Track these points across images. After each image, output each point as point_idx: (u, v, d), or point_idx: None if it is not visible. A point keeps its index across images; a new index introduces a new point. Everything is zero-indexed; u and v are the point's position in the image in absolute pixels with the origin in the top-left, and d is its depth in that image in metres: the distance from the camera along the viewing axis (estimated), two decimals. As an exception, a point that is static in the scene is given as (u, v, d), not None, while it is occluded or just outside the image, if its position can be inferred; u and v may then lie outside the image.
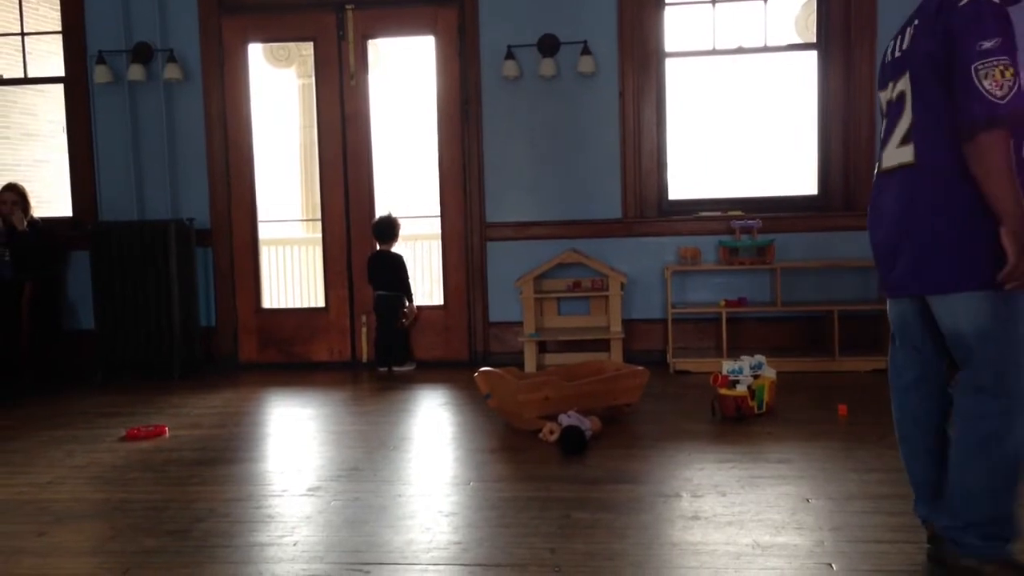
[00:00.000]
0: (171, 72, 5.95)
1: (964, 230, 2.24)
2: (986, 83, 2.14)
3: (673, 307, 5.58)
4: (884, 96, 2.50)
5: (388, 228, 5.95)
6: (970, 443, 2.29)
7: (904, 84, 2.36)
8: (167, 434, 4.32)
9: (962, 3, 2.21)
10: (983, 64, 2.14)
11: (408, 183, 7.64)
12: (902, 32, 2.43)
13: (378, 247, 6.00)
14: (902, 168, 2.36)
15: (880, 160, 2.48)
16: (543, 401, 4.12)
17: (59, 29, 6.20)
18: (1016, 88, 2.14)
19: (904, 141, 2.36)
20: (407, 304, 5.96)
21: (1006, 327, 2.23)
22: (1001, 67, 2.14)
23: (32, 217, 5.96)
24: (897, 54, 2.42)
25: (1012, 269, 2.14)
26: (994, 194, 2.16)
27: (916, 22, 2.36)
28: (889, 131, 2.44)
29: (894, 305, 2.52)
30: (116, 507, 3.27)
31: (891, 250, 2.42)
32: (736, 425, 4.15)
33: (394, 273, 5.94)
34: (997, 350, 2.23)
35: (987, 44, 2.15)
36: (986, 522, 2.29)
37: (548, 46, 5.75)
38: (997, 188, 2.15)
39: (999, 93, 2.13)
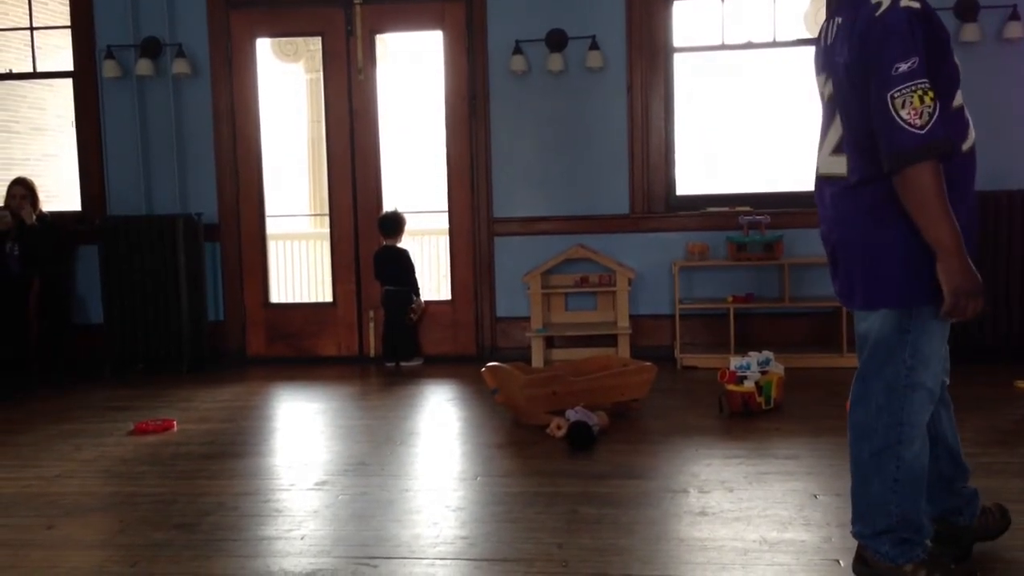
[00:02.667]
0: (179, 67, 5.95)
1: (892, 249, 2.16)
2: (903, 113, 1.98)
3: (681, 303, 5.57)
4: (818, 85, 2.37)
5: (393, 223, 5.95)
6: (863, 458, 2.29)
7: (831, 88, 2.25)
8: (175, 428, 4.33)
9: (878, 12, 2.05)
10: (899, 91, 1.99)
11: (416, 178, 7.64)
12: (830, 20, 2.26)
13: (384, 242, 6.00)
14: (837, 179, 2.27)
15: (816, 162, 2.38)
16: (550, 396, 4.12)
17: (68, 24, 6.20)
18: (936, 113, 1.99)
19: (836, 151, 2.26)
20: (414, 299, 5.96)
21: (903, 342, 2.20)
22: (919, 92, 1.98)
23: (41, 211, 5.97)
24: (825, 44, 2.28)
25: (950, 308, 2.07)
26: (925, 228, 2.04)
27: (839, 19, 2.20)
28: (823, 134, 2.34)
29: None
30: (124, 500, 3.29)
31: (830, 258, 2.38)
32: (743, 421, 4.15)
33: (401, 268, 5.94)
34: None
35: (903, 67, 1.99)
36: (894, 529, 2.25)
37: (556, 41, 5.73)
38: (928, 221, 2.03)
39: (919, 123, 1.98)
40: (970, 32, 5.39)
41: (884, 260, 2.18)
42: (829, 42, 2.24)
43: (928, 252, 2.09)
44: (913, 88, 1.99)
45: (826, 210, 2.35)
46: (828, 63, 2.26)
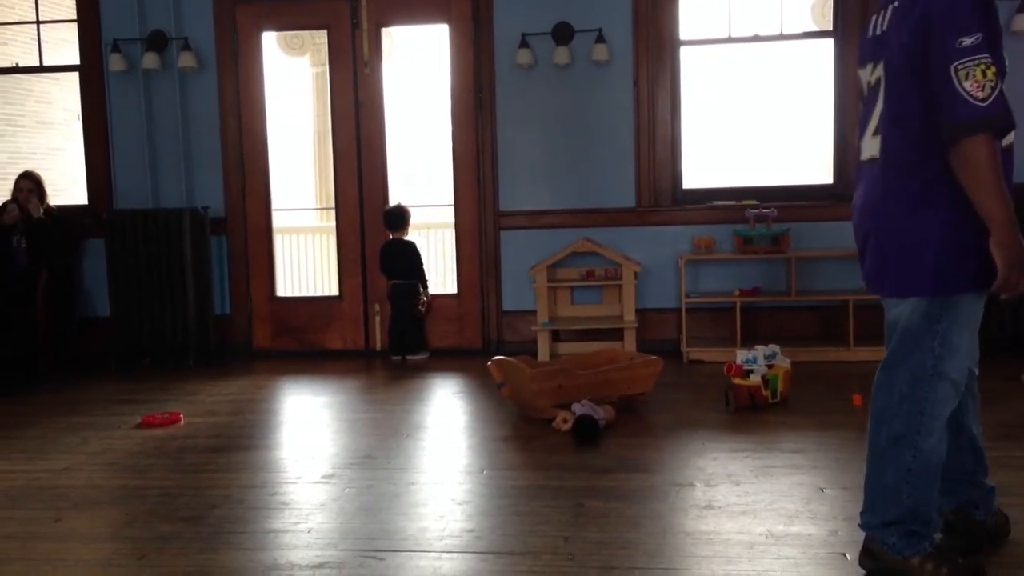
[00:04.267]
0: (186, 60, 5.96)
1: (924, 234, 2.16)
2: (966, 84, 2.00)
3: (687, 296, 5.57)
4: (863, 76, 2.39)
5: (398, 217, 5.95)
6: (880, 444, 2.28)
7: (880, 71, 2.26)
8: (182, 421, 4.34)
9: None
10: (963, 63, 2.01)
11: (422, 171, 7.63)
12: (883, 8, 2.30)
13: (391, 236, 6.00)
14: (871, 162, 2.29)
15: (860, 149, 2.39)
16: (556, 390, 4.12)
17: (74, 17, 6.21)
18: (998, 88, 2.01)
19: (875, 133, 2.27)
20: (422, 292, 5.96)
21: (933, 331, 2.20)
22: (983, 66, 2.00)
23: (48, 205, 5.98)
24: (877, 32, 2.30)
25: (1002, 282, 2.07)
26: (980, 202, 2.05)
27: (895, 3, 2.23)
28: (865, 119, 2.35)
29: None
30: (132, 493, 3.30)
31: (860, 244, 2.38)
32: (750, 415, 4.14)
33: (409, 261, 5.94)
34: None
35: (967, 41, 2.01)
36: (903, 520, 2.25)
37: (562, 34, 5.72)
38: (983, 196, 2.04)
39: (980, 95, 2.00)
40: None
41: (919, 247, 2.18)
42: (882, 28, 2.26)
43: (966, 240, 2.11)
44: (976, 62, 2.01)
45: (860, 197, 2.36)
46: (878, 48, 2.27)
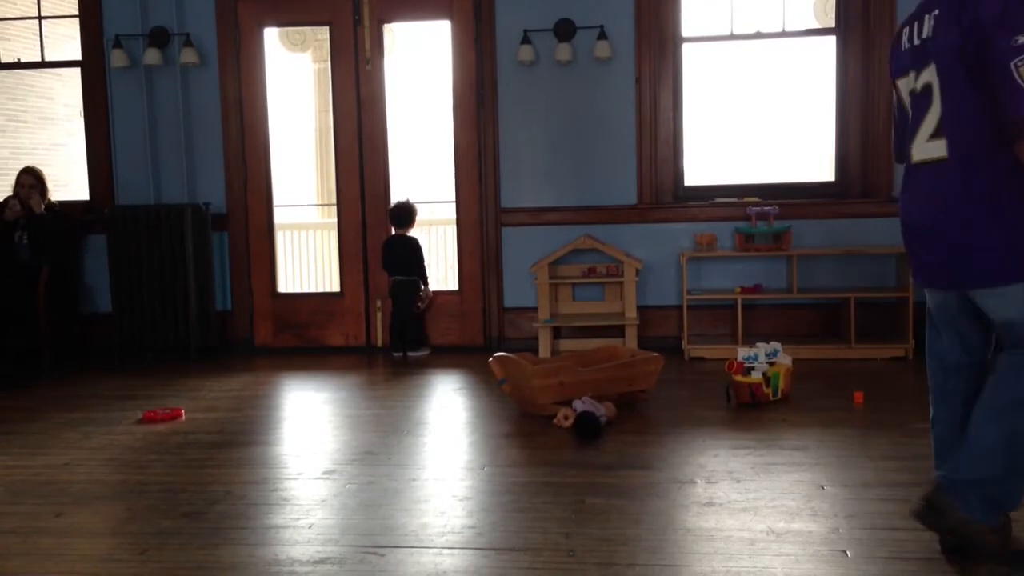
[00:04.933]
0: (187, 56, 5.95)
1: (1006, 223, 2.21)
2: None
3: (688, 293, 5.56)
4: (904, 85, 2.46)
5: (405, 213, 5.95)
6: (997, 403, 2.28)
7: (930, 75, 2.32)
8: (183, 417, 4.35)
9: None
10: (1021, 60, 2.09)
11: (423, 168, 7.63)
12: (918, 19, 2.38)
13: (394, 232, 6.00)
14: (936, 163, 2.33)
15: (908, 153, 2.44)
16: (558, 387, 4.12)
17: (76, 13, 6.21)
18: None
19: (935, 135, 2.33)
20: (423, 289, 5.96)
21: None
22: None
23: (50, 201, 5.99)
24: (916, 42, 2.37)
25: None
26: None
27: (936, 12, 2.30)
28: (916, 124, 2.40)
29: (934, 294, 2.49)
30: (133, 489, 3.30)
31: (928, 242, 2.40)
32: (751, 412, 4.14)
33: (410, 258, 5.94)
34: None
35: (1022, 39, 2.10)
36: (990, 483, 2.26)
37: (564, 31, 5.72)
38: None
39: None
40: None
41: (1013, 234, 2.22)
42: (926, 35, 2.33)
43: None
44: None
45: (924, 198, 2.39)
46: (921, 56, 2.34)
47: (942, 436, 2.51)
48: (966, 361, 2.48)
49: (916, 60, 2.38)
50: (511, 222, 5.95)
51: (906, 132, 2.46)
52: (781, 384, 4.30)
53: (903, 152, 2.50)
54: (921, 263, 2.45)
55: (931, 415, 2.56)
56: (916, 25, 2.38)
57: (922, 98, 2.37)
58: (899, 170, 5.50)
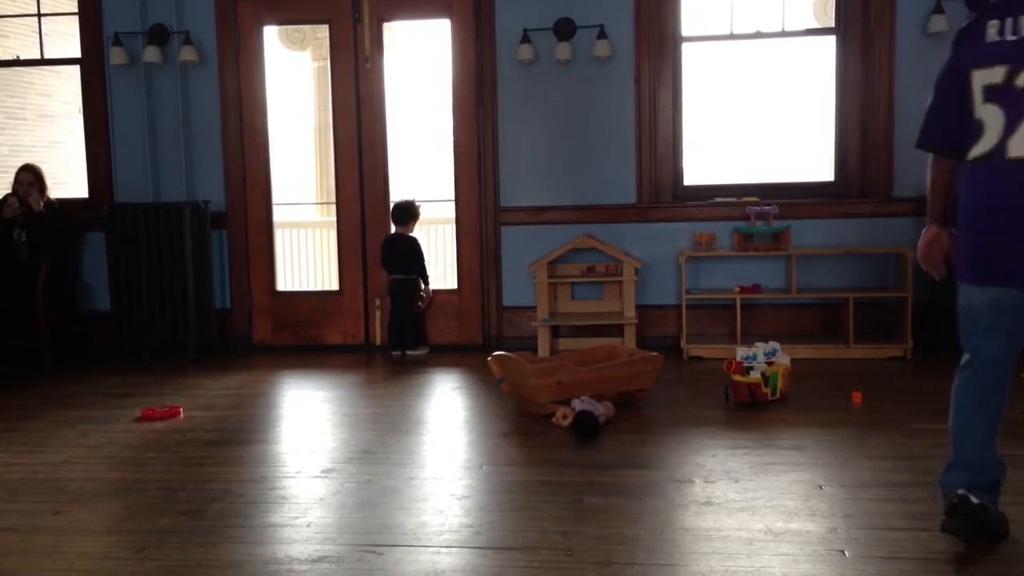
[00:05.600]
0: (187, 54, 5.95)
1: None
2: None
3: (687, 293, 5.56)
4: (982, 76, 2.44)
5: (407, 212, 5.95)
6: None
7: None
8: (182, 415, 4.35)
9: None
10: None
11: (423, 167, 7.63)
12: (1011, 15, 2.39)
13: (394, 230, 6.00)
14: None
15: (1004, 148, 2.41)
16: (556, 386, 4.12)
17: (75, 10, 6.20)
18: None
19: None
20: (423, 287, 5.96)
21: None
22: None
23: (48, 198, 5.98)
24: (1010, 37, 2.38)
25: None
26: None
27: None
28: (1017, 118, 2.38)
29: (1009, 293, 2.47)
30: (131, 487, 3.30)
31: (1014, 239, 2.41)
32: (749, 412, 4.14)
33: (410, 256, 5.94)
34: None
35: None
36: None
37: (564, 30, 5.71)
38: None
39: None
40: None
41: None
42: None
43: None
44: None
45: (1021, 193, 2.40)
46: (1020, 51, 2.37)
47: (974, 445, 2.55)
48: (1004, 358, 2.54)
49: (1015, 56, 2.37)
50: (510, 221, 5.95)
51: (961, 122, 2.48)
52: (780, 384, 4.30)
53: (948, 142, 2.54)
54: (1010, 261, 2.42)
55: (960, 422, 2.58)
56: (1010, 21, 2.39)
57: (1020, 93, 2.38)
58: (899, 170, 5.58)
